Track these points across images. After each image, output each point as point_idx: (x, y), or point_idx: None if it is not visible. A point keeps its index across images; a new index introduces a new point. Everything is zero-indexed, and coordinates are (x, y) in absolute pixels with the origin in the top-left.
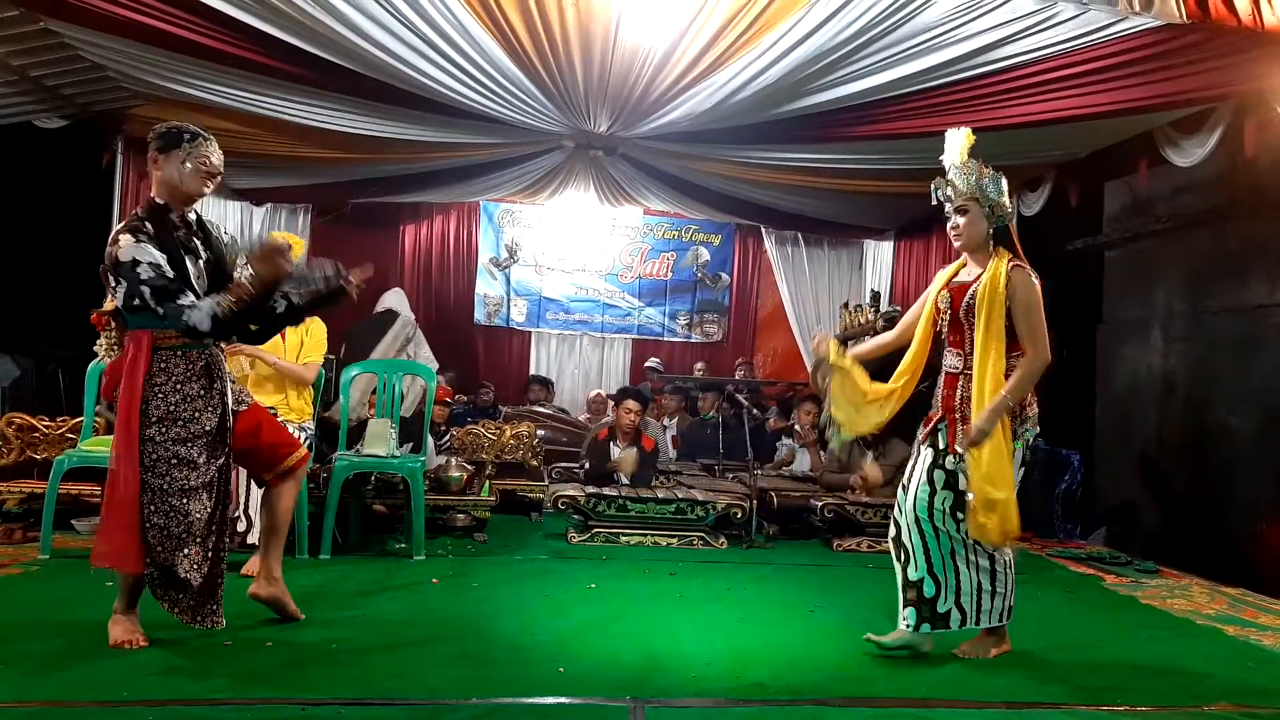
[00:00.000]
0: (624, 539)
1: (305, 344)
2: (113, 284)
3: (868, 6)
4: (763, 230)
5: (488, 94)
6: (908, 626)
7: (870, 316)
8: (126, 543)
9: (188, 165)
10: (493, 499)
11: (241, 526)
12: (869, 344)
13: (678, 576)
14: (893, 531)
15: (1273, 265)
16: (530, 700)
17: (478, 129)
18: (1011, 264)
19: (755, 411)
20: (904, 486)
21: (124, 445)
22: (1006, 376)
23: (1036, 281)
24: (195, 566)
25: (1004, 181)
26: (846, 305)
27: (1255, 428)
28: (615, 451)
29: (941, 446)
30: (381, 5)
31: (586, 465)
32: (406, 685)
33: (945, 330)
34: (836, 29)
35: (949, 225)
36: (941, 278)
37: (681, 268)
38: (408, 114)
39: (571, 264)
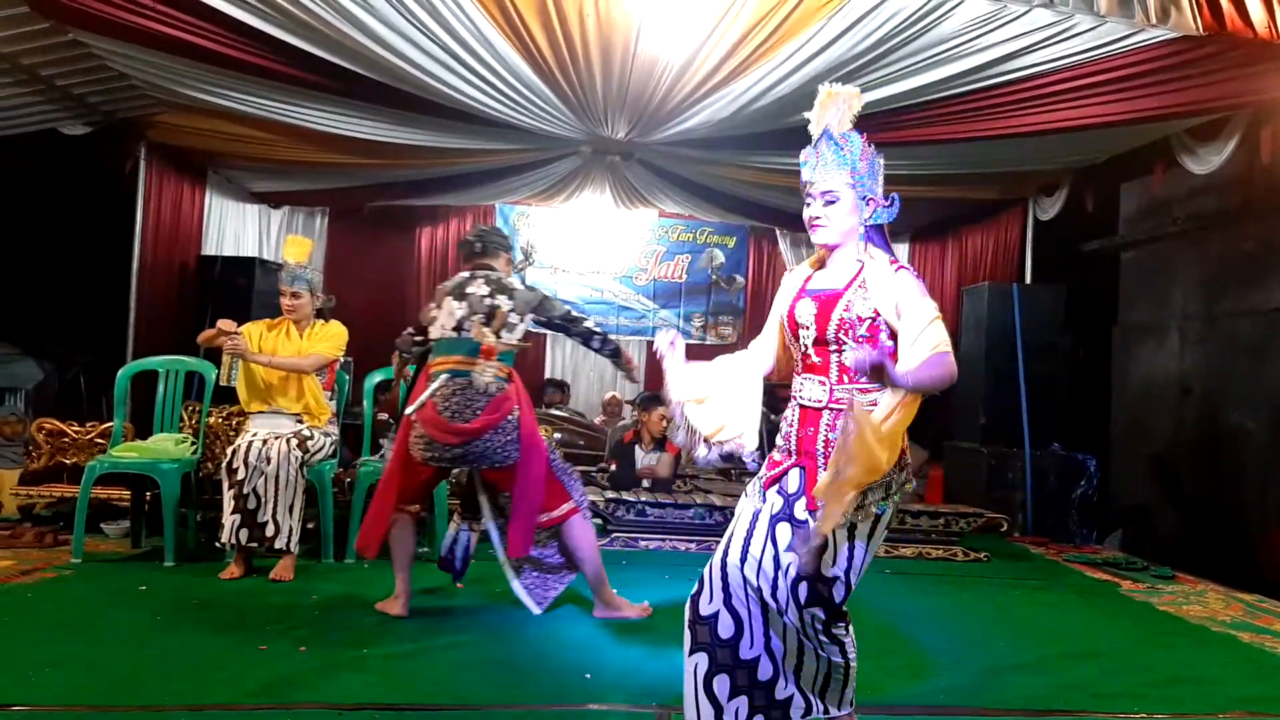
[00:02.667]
0: (643, 543)
1: (311, 340)
2: (517, 321)
3: (888, 17)
4: (777, 233)
5: (507, 102)
6: None
7: None
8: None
9: None
10: None
11: (270, 531)
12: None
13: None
14: (698, 607)
15: None
16: (559, 707)
17: (497, 135)
18: (896, 266)
19: (771, 415)
20: (730, 543)
21: (538, 446)
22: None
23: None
24: None
25: (881, 166)
26: None
27: (1271, 431)
28: (640, 454)
29: (793, 491)
30: (403, 16)
31: (613, 467)
32: (436, 691)
33: (803, 352)
34: (856, 39)
35: (808, 213)
36: (794, 281)
37: (696, 270)
38: (428, 121)
39: (586, 266)
